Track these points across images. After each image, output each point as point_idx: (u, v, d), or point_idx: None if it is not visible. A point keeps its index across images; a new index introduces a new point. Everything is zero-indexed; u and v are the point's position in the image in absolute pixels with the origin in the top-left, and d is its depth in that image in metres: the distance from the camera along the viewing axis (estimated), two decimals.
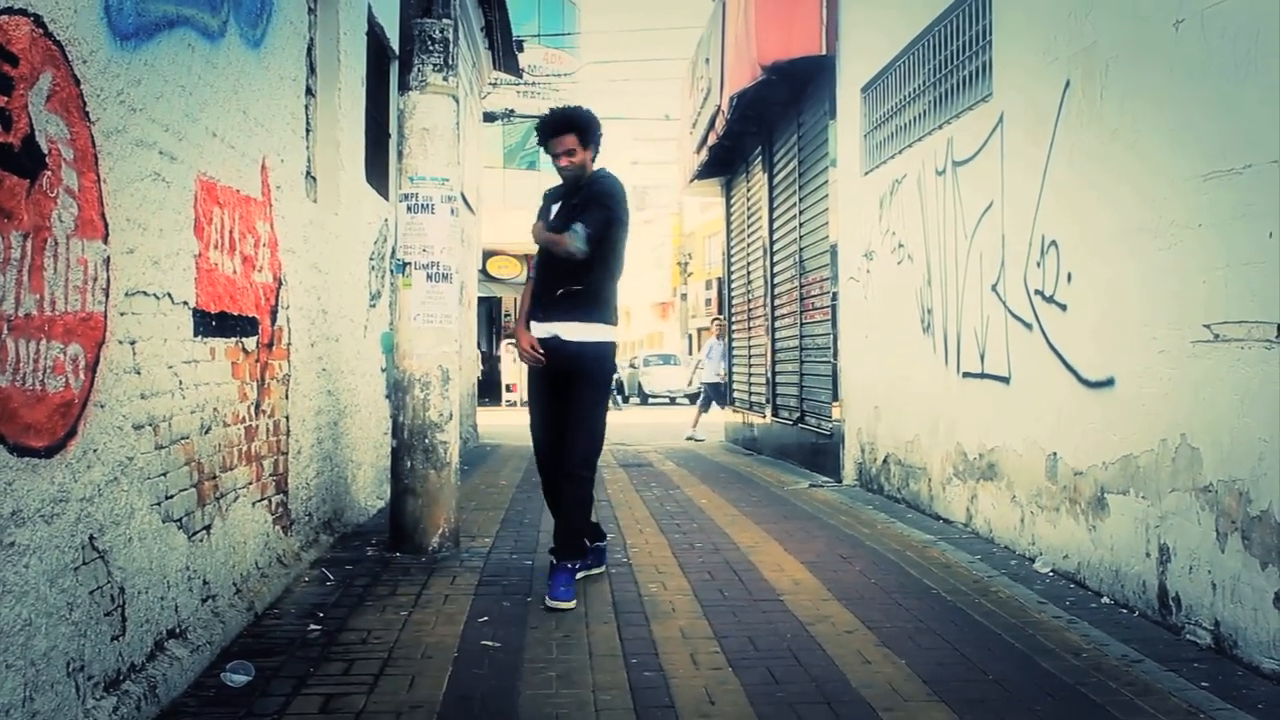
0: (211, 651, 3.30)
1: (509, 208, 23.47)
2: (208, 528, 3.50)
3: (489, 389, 23.13)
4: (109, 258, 2.70)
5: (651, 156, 40.90)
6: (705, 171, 12.83)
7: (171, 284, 3.17)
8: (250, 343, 4.00)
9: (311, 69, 5.18)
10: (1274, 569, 3.17)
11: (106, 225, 2.68)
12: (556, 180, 4.65)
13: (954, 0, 5.91)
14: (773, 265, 10.72)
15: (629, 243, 4.56)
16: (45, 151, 2.35)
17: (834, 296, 8.33)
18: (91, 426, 2.60)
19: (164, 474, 3.10)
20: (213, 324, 3.56)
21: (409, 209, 5.09)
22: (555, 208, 4.50)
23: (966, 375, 5.78)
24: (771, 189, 10.71)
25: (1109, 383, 4.18)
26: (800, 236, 9.55)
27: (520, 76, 16.43)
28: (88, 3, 2.55)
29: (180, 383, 3.24)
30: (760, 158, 11.14)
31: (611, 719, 2.85)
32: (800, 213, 9.57)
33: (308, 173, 5.09)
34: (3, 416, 2.19)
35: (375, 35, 6.68)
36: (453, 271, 5.16)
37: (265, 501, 4.24)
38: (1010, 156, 5.16)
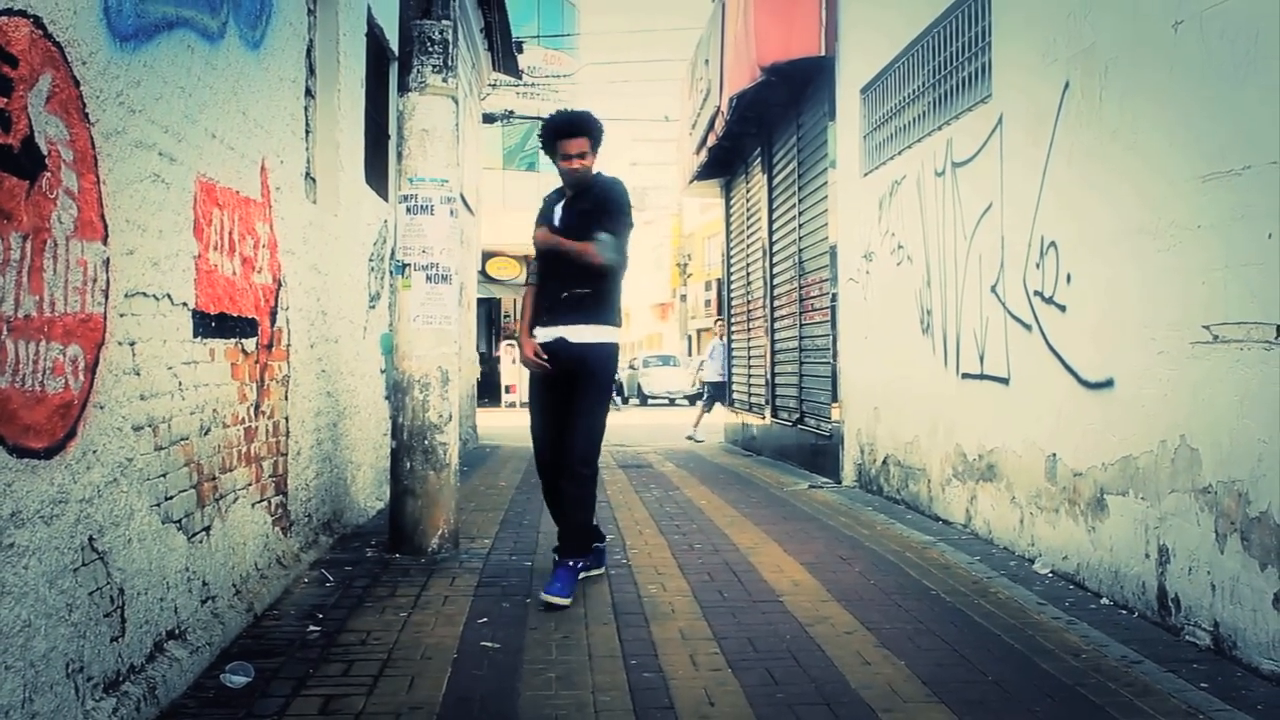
0: (211, 653, 3.30)
1: (508, 209, 23.52)
2: (207, 529, 3.50)
3: (488, 390, 23.14)
4: (108, 259, 2.70)
5: (651, 157, 40.97)
6: (705, 172, 12.83)
7: (171, 285, 3.17)
8: (250, 344, 4.00)
9: (311, 70, 5.18)
10: (1273, 570, 3.17)
11: (106, 226, 2.68)
12: (556, 182, 4.64)
13: (953, 1, 5.91)
14: (772, 266, 10.72)
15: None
16: (45, 153, 2.35)
17: (833, 297, 8.33)
18: (91, 428, 2.60)
19: (163, 475, 3.10)
20: (212, 325, 3.56)
21: (408, 210, 5.09)
22: (558, 210, 4.48)
23: (966, 376, 5.78)
24: (771, 190, 10.71)
25: (1108, 384, 4.18)
26: (800, 237, 9.55)
27: (520, 78, 16.44)
28: (87, 4, 2.56)
29: (180, 384, 3.24)
30: (760, 159, 11.14)
31: None
32: (800, 214, 9.57)
33: (307, 174, 5.09)
34: (2, 418, 2.19)
35: (375, 36, 6.68)
36: (452, 273, 5.16)
37: (265, 503, 4.24)
38: (1010, 157, 5.16)
